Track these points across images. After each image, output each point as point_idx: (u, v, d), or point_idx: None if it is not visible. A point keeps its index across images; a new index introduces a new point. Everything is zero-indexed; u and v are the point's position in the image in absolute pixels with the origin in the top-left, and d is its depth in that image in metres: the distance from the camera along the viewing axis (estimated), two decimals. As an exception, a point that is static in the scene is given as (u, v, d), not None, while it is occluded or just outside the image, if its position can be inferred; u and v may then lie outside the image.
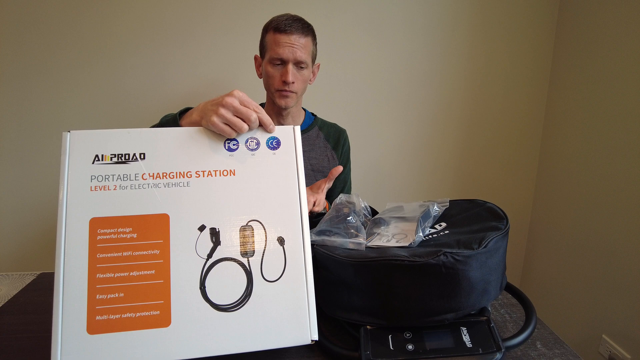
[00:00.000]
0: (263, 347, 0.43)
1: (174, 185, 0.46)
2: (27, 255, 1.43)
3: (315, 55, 1.00)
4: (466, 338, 0.51)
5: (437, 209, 0.69)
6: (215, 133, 0.50)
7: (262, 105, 1.08)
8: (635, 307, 1.14)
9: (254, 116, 0.50)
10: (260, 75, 1.01)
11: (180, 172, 0.47)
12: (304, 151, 1.04)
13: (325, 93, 1.41)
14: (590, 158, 1.30)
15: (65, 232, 0.43)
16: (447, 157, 1.53)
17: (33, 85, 1.30)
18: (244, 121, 0.50)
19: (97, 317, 0.41)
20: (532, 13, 1.42)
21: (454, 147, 1.52)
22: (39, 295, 0.74)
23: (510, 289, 0.64)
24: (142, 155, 0.47)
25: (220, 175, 0.47)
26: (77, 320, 0.41)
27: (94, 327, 0.41)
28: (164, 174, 0.46)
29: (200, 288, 0.44)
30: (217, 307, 0.44)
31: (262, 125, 0.51)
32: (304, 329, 0.44)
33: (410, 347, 0.50)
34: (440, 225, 0.65)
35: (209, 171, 0.47)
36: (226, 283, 0.44)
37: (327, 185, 0.81)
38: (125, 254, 0.43)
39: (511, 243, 1.61)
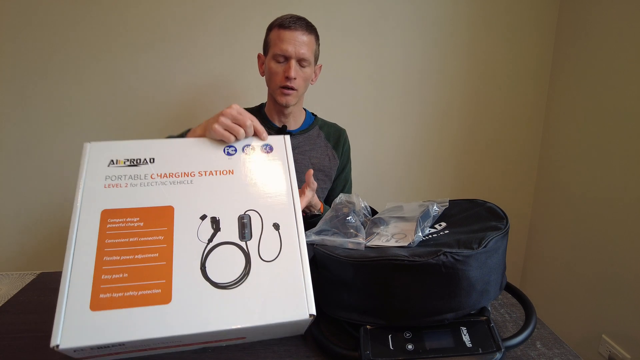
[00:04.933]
0: (261, 322, 0.44)
1: (179, 183, 0.52)
2: (27, 255, 1.43)
3: (318, 55, 1.01)
4: (466, 338, 0.51)
5: (436, 209, 0.69)
6: (216, 141, 0.57)
7: (263, 105, 1.08)
8: (635, 307, 1.14)
9: (249, 122, 0.57)
10: (262, 74, 1.02)
11: (184, 172, 0.53)
12: (305, 150, 1.05)
13: (326, 93, 1.41)
14: (590, 158, 1.30)
15: (79, 221, 0.47)
16: (447, 157, 1.53)
17: (34, 84, 1.30)
18: (241, 126, 0.57)
19: (101, 295, 0.43)
20: (532, 13, 1.42)
21: (454, 147, 1.52)
22: (39, 295, 0.74)
23: (510, 288, 0.64)
24: (151, 160, 0.53)
25: (220, 174, 0.53)
26: (81, 298, 0.43)
27: (96, 304, 0.43)
28: (170, 174, 0.52)
29: (201, 268, 0.46)
30: (216, 285, 0.46)
31: (256, 135, 0.59)
32: (302, 305, 0.46)
33: (410, 346, 0.50)
34: (440, 225, 0.65)
35: (210, 171, 0.53)
36: (225, 264, 0.47)
37: (309, 189, 0.79)
38: (131, 239, 0.47)
39: (511, 243, 1.61)
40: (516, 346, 0.52)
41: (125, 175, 0.51)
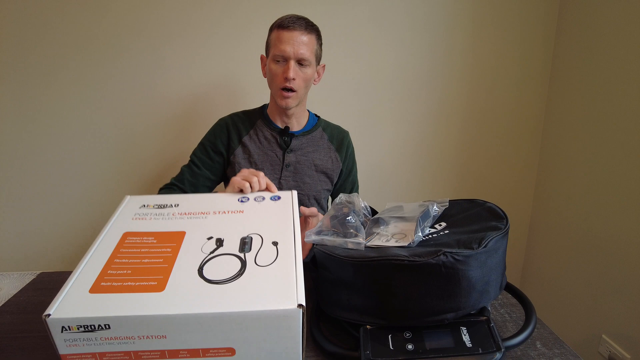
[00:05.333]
0: (247, 308, 0.45)
1: (194, 218, 0.60)
2: (27, 255, 1.43)
3: (320, 55, 1.00)
4: (466, 338, 0.51)
5: (436, 209, 0.69)
6: (233, 194, 0.67)
7: (265, 105, 1.08)
8: (635, 307, 1.14)
9: (262, 174, 0.70)
10: (265, 75, 1.01)
11: (201, 212, 0.62)
12: (308, 152, 1.04)
13: (327, 93, 1.41)
14: (590, 158, 1.30)
15: (102, 239, 0.55)
16: (448, 157, 1.53)
17: (34, 86, 1.30)
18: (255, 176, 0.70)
19: (102, 284, 0.47)
20: (532, 13, 1.42)
21: (454, 147, 1.52)
22: (39, 294, 0.74)
23: (510, 289, 0.64)
24: (176, 205, 0.64)
25: (231, 213, 0.62)
26: (84, 284, 0.47)
27: (95, 289, 0.47)
28: (189, 213, 0.61)
29: (198, 270, 0.50)
30: (209, 281, 0.48)
31: (268, 189, 0.69)
32: (291, 295, 0.46)
33: (410, 346, 0.51)
34: (440, 225, 0.65)
35: (223, 211, 0.62)
36: (222, 267, 0.50)
37: (314, 218, 0.83)
38: (143, 250, 0.53)
39: (511, 243, 1.61)
40: (516, 346, 0.53)
41: (151, 213, 0.61)
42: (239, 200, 0.65)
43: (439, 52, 1.42)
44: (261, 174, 0.70)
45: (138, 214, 0.61)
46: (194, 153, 1.04)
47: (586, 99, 1.32)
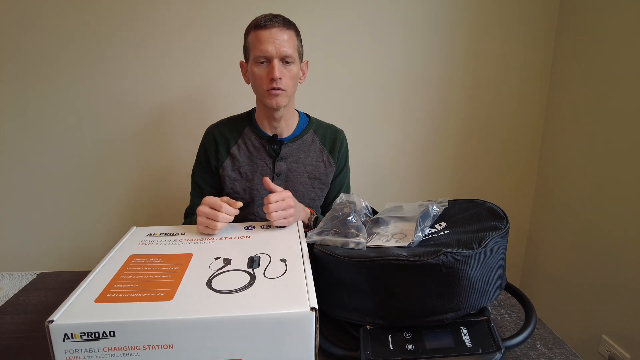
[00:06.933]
0: (260, 312, 0.44)
1: (202, 242, 0.63)
2: (27, 255, 1.43)
3: (302, 52, 0.96)
4: (466, 338, 0.51)
5: (436, 208, 0.69)
6: (238, 223, 0.70)
7: (253, 110, 1.03)
8: (635, 307, 1.14)
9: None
10: (247, 81, 0.97)
11: (208, 238, 0.65)
12: (299, 158, 0.99)
13: (324, 94, 1.41)
14: (591, 158, 1.30)
15: (107, 261, 0.56)
16: (447, 156, 1.53)
17: (34, 87, 1.30)
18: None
19: (108, 295, 0.47)
20: (532, 13, 1.41)
21: (454, 147, 1.52)
22: (39, 295, 0.74)
23: (510, 289, 0.64)
24: (182, 233, 0.66)
25: (238, 238, 0.64)
26: (90, 294, 0.47)
27: (101, 299, 0.46)
28: (196, 239, 0.64)
29: (207, 283, 0.50)
30: (219, 291, 0.48)
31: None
32: (302, 300, 0.46)
33: (410, 346, 0.51)
34: (440, 225, 0.65)
35: (230, 237, 0.65)
36: (231, 280, 0.50)
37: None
38: (150, 269, 0.54)
39: (511, 243, 1.61)
40: (516, 346, 0.53)
41: (158, 240, 0.63)
42: (245, 228, 0.69)
43: (439, 50, 1.42)
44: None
45: (144, 241, 0.63)
46: (194, 173, 1.01)
47: (586, 99, 1.32)
